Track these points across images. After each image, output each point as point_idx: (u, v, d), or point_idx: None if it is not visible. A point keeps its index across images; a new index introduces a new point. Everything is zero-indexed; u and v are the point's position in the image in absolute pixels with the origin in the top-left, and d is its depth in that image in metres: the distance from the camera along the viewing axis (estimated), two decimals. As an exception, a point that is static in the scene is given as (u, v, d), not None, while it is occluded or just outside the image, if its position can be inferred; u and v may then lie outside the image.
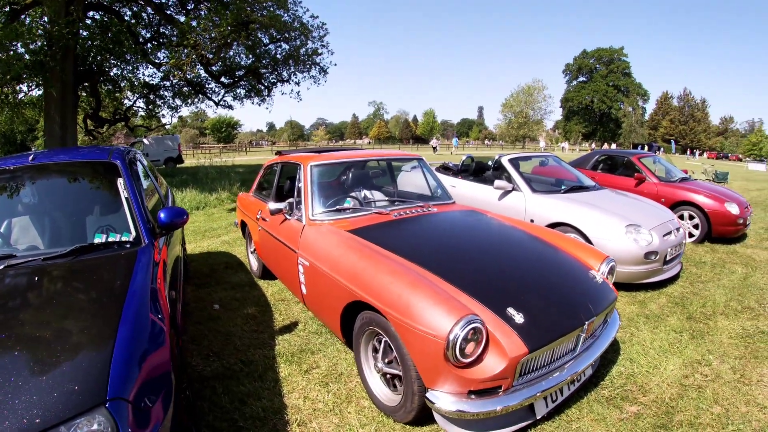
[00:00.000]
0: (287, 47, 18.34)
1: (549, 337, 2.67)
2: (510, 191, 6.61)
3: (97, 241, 2.93)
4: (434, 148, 48.84)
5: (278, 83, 19.97)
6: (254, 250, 5.67)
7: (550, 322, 2.76)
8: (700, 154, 69.74)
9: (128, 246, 2.90)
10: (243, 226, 6.02)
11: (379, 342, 3.06)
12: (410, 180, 5.82)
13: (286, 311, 4.74)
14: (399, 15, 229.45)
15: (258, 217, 5.11)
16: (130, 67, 17.68)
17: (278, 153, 5.38)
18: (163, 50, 17.23)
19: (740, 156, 74.06)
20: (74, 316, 2.16)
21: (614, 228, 5.39)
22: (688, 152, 71.30)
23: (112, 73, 17.88)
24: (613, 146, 68.49)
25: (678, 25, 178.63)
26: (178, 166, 25.55)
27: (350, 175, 5.26)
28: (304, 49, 18.16)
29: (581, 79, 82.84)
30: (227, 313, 4.67)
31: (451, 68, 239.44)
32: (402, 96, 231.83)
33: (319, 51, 18.46)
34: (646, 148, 70.69)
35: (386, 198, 4.83)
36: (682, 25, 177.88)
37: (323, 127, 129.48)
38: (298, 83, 19.83)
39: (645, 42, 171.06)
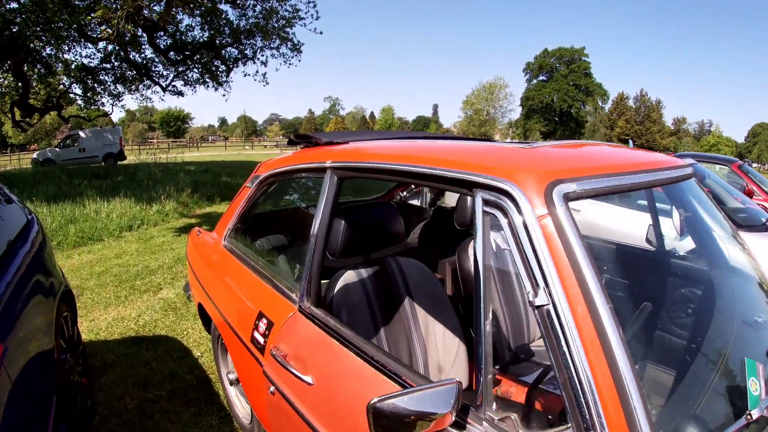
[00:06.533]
0: (254, 13, 14.81)
1: None
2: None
3: None
4: None
5: (240, 62, 16.39)
6: (237, 380, 2.44)
7: None
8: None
9: None
10: (202, 311, 2.77)
11: None
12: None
13: None
14: (353, 9, 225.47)
15: (260, 339, 1.83)
16: (66, 46, 14.46)
17: (297, 140, 2.25)
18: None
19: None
20: None
21: None
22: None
23: (44, 54, 14.74)
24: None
25: (635, 27, 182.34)
26: (119, 163, 21.86)
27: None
28: (275, 17, 14.64)
29: (542, 78, 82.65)
30: None
31: (407, 65, 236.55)
32: (358, 92, 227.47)
33: (298, 16, 14.84)
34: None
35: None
36: (638, 27, 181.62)
37: (277, 123, 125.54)
38: (264, 63, 16.31)
39: (602, 42, 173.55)
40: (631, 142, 60.46)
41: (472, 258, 2.50)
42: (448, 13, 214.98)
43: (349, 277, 1.88)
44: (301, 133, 2.23)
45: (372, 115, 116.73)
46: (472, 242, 2.56)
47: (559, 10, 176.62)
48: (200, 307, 2.70)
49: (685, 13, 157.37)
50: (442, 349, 2.10)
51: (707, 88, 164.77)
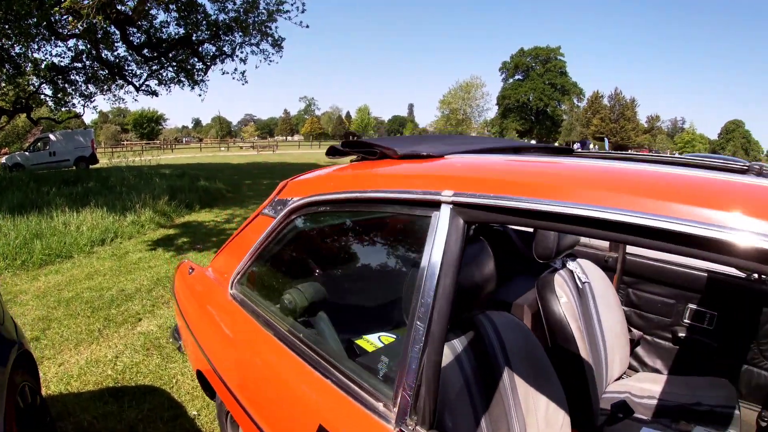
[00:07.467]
0: (234, 6, 14.01)
1: None
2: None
3: None
4: None
5: (218, 59, 15.57)
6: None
7: None
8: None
9: None
10: (203, 379, 2.06)
11: None
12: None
13: None
14: (328, 8, 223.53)
15: None
16: (35, 44, 13.99)
17: (346, 149, 1.63)
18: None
19: (668, 152, 76.05)
20: None
21: None
22: (668, 153, 71.20)
23: (12, 53, 14.21)
24: (558, 144, 68.49)
25: (610, 26, 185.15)
26: (91, 166, 20.94)
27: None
28: (255, 12, 13.82)
29: (518, 77, 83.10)
30: None
31: (382, 65, 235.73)
32: (333, 92, 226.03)
33: (282, 9, 14.00)
34: (578, 145, 71.34)
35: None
36: (613, 26, 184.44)
37: (252, 123, 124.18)
38: (243, 60, 15.44)
39: (578, 41, 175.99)
40: (606, 140, 61.14)
41: (564, 299, 1.93)
42: (424, 13, 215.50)
43: (444, 355, 1.27)
44: (355, 140, 1.61)
45: (348, 114, 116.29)
46: (555, 278, 1.99)
47: (536, 10, 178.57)
48: (200, 375, 2.04)
49: (658, 12, 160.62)
50: (545, 427, 1.56)
51: (680, 85, 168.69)
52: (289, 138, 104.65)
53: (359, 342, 1.81)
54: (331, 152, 1.65)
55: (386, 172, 1.39)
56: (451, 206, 1.08)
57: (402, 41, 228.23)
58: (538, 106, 79.27)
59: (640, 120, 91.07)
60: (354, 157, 1.60)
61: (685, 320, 2.47)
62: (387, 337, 1.89)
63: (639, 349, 2.66)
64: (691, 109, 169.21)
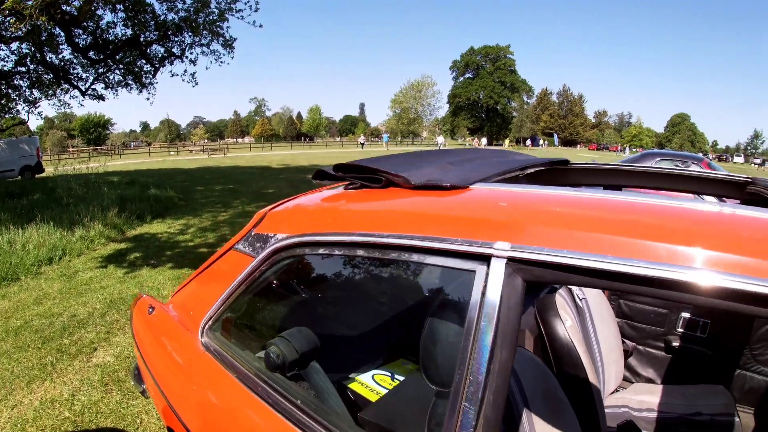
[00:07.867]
0: (184, 6, 13.54)
1: None
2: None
3: None
4: (362, 144, 51.34)
5: (167, 61, 15.01)
6: None
7: None
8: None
9: None
10: None
11: None
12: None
13: None
14: (277, 8, 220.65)
15: None
16: None
17: (339, 175, 1.43)
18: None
19: (619, 147, 78.74)
20: None
21: None
22: (627, 149, 72.36)
23: None
24: (506, 143, 69.88)
25: (558, 24, 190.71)
26: (36, 176, 19.82)
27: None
28: (206, 12, 13.42)
29: (468, 75, 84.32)
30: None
31: (332, 64, 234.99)
32: (284, 92, 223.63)
33: (234, 8, 13.56)
34: (529, 141, 73.05)
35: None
36: (561, 24, 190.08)
37: (201, 126, 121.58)
38: (193, 61, 14.97)
39: (527, 40, 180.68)
40: (555, 135, 63.31)
41: (568, 322, 1.82)
42: (374, 12, 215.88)
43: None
44: (353, 163, 1.39)
45: (299, 115, 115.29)
46: (556, 299, 1.88)
47: (484, 9, 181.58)
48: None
49: (604, 9, 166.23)
50: (561, 465, 1.45)
51: (627, 80, 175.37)
52: (239, 140, 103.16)
53: (353, 386, 1.63)
54: (319, 176, 1.45)
55: (406, 210, 1.17)
56: (505, 261, 0.89)
57: (352, 40, 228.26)
58: (489, 104, 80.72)
59: (588, 115, 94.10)
60: (355, 184, 1.39)
61: (678, 329, 2.46)
62: (381, 376, 1.73)
63: (632, 360, 2.63)
64: (638, 104, 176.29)
